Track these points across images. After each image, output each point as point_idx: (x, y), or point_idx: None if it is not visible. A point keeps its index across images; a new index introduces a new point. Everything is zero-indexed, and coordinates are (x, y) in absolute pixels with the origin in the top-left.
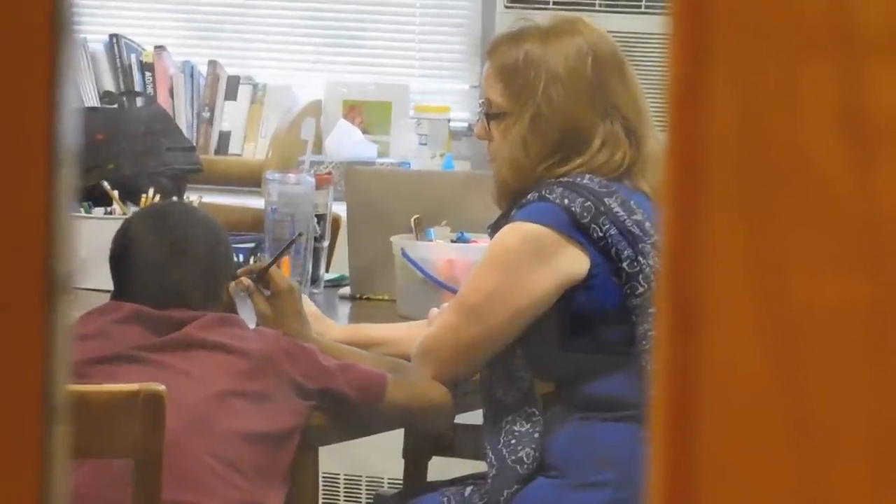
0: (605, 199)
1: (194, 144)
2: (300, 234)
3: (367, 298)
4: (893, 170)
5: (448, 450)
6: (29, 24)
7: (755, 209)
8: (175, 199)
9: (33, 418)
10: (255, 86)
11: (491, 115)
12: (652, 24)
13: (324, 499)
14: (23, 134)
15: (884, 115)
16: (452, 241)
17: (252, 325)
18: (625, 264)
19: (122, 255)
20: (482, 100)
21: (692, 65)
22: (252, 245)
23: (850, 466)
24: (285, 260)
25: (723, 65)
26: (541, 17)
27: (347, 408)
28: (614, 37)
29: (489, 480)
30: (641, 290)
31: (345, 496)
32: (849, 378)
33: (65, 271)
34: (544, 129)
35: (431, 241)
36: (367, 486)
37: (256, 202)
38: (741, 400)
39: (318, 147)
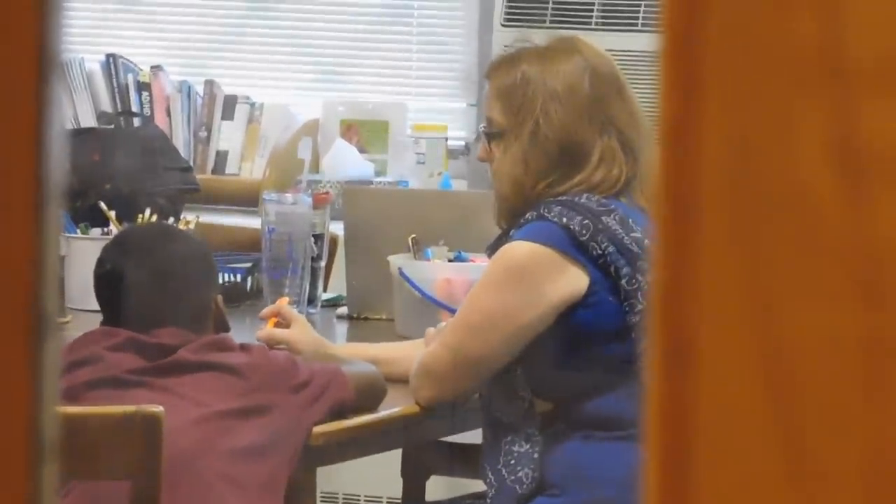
0: (603, 218)
1: (191, 164)
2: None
3: (365, 318)
4: (886, 202)
5: (447, 469)
6: (15, 61)
7: (748, 242)
8: (154, 219)
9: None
10: (252, 105)
11: (491, 134)
12: (648, 42)
13: None
14: (8, 172)
15: (876, 147)
16: (450, 261)
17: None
18: (623, 282)
19: (103, 282)
20: (483, 123)
21: (684, 98)
22: (250, 265)
23: (843, 502)
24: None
25: (715, 98)
26: (538, 37)
27: (346, 409)
28: (611, 54)
29: (488, 500)
30: (640, 307)
31: None
32: (843, 412)
33: (51, 309)
34: (543, 145)
35: (429, 260)
36: None
37: (254, 222)
38: (735, 433)
39: (316, 166)
